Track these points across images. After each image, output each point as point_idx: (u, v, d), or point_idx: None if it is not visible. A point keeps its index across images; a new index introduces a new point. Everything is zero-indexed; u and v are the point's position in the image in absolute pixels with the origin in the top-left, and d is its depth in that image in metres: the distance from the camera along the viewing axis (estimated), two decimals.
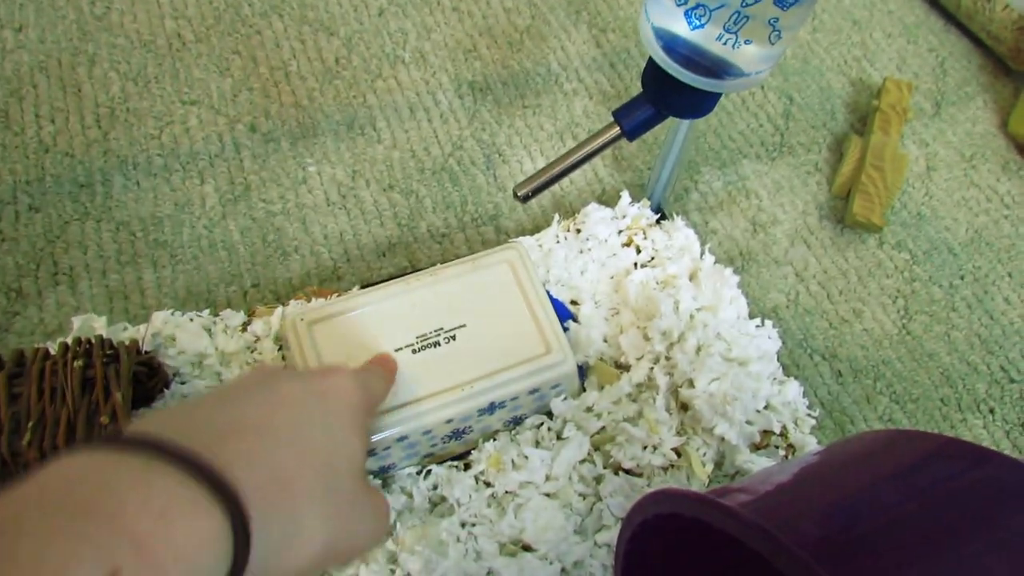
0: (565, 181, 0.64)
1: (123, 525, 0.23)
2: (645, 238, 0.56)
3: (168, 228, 0.60)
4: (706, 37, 0.34)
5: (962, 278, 0.65)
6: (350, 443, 0.32)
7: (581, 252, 0.55)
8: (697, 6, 0.32)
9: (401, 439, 0.45)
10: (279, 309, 0.51)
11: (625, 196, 0.57)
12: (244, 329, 0.51)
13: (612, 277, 0.55)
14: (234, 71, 0.69)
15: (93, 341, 0.43)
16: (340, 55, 0.72)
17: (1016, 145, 0.74)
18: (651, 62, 0.37)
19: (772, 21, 0.33)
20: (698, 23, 0.33)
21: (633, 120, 0.39)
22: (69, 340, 0.44)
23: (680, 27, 0.34)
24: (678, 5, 0.33)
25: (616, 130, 0.40)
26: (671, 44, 0.35)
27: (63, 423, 0.39)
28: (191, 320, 0.50)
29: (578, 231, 0.56)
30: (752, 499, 0.29)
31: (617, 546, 0.36)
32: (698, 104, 0.38)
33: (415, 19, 0.74)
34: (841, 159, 0.70)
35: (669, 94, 0.38)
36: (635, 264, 0.55)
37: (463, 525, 0.45)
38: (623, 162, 0.67)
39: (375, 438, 0.44)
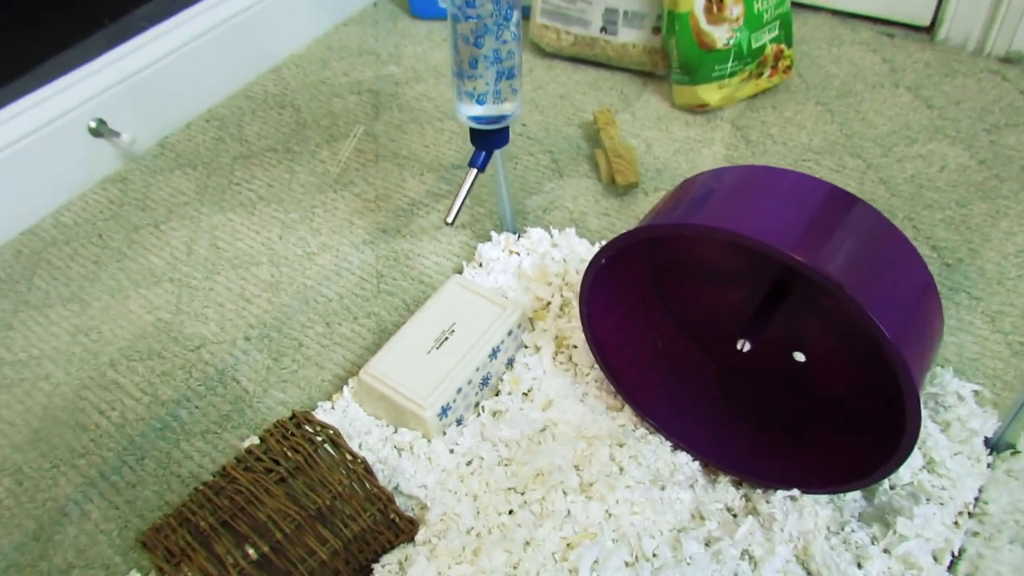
0: (455, 254, 1.01)
1: None
2: (516, 245, 0.93)
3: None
4: (487, 108, 0.74)
5: None
6: None
7: (488, 274, 0.92)
8: (480, 95, 0.72)
9: (459, 390, 0.77)
10: (344, 387, 0.83)
11: (494, 234, 0.95)
12: (333, 407, 0.82)
13: (513, 274, 0.91)
14: (227, 314, 1.01)
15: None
16: (273, 273, 1.06)
17: (687, 110, 1.20)
18: (471, 130, 0.77)
19: (513, 89, 0.74)
20: (483, 102, 0.73)
21: (476, 160, 0.78)
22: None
23: (476, 108, 0.74)
24: (470, 97, 0.73)
25: (474, 171, 0.78)
26: (475, 118, 0.75)
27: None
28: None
29: (480, 264, 0.93)
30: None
31: (585, 278, 0.68)
32: (499, 138, 0.78)
33: (307, 226, 1.10)
34: (598, 166, 1.12)
35: (484, 139, 0.77)
36: (519, 261, 0.92)
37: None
38: (476, 225, 1.05)
39: (446, 398, 0.76)
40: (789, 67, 1.21)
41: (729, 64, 1.14)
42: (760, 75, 1.19)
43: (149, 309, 1.03)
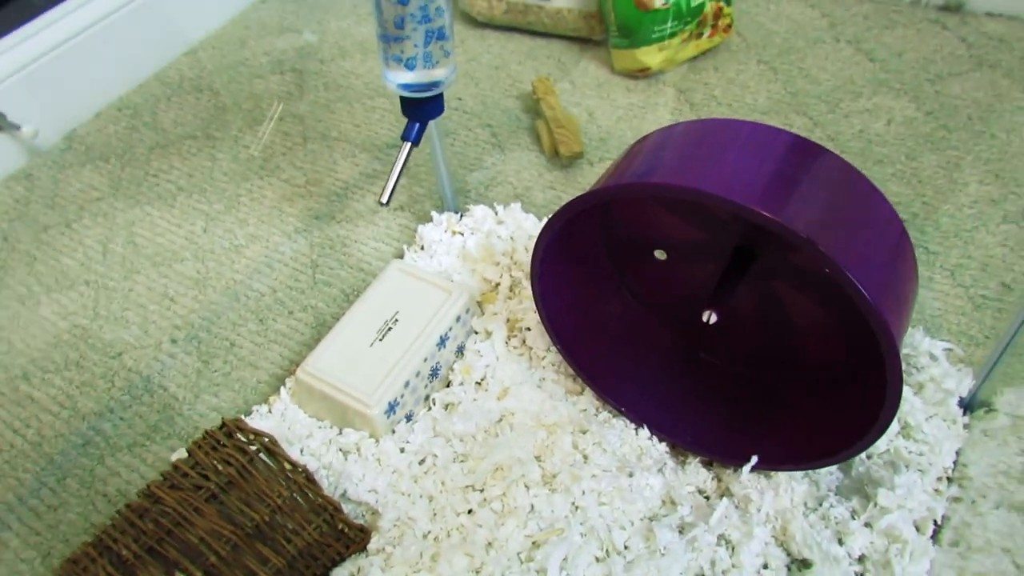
0: (395, 239, 0.94)
1: None
2: (459, 225, 0.87)
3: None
4: (417, 74, 0.67)
5: None
6: None
7: (431, 257, 0.85)
8: (409, 59, 0.65)
9: (406, 384, 0.71)
10: (281, 388, 0.76)
11: (435, 214, 0.88)
12: (270, 411, 0.74)
13: (458, 256, 0.85)
14: (150, 315, 0.92)
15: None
16: (199, 269, 0.98)
17: (628, 75, 1.15)
18: (401, 99, 0.69)
19: (445, 52, 0.67)
20: (412, 67, 0.66)
21: (410, 133, 0.70)
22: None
23: (406, 75, 0.67)
24: (399, 62, 0.66)
25: (408, 145, 0.71)
26: (405, 85, 0.68)
27: None
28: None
29: (422, 247, 0.86)
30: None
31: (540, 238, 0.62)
32: (433, 108, 0.70)
33: (233, 217, 1.02)
34: (539, 137, 1.06)
35: (416, 109, 0.70)
36: (464, 242, 0.86)
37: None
38: (415, 206, 0.98)
39: (393, 393, 0.69)
40: (729, 26, 1.16)
41: (668, 24, 1.09)
42: (700, 35, 1.14)
43: (63, 315, 0.94)
